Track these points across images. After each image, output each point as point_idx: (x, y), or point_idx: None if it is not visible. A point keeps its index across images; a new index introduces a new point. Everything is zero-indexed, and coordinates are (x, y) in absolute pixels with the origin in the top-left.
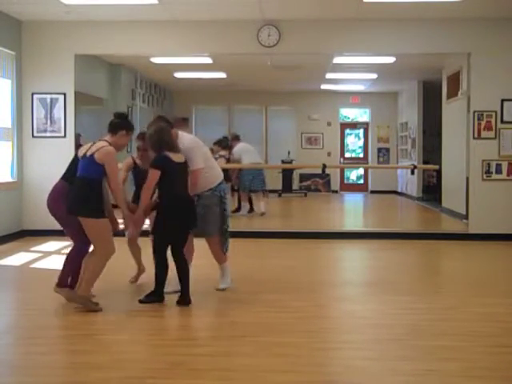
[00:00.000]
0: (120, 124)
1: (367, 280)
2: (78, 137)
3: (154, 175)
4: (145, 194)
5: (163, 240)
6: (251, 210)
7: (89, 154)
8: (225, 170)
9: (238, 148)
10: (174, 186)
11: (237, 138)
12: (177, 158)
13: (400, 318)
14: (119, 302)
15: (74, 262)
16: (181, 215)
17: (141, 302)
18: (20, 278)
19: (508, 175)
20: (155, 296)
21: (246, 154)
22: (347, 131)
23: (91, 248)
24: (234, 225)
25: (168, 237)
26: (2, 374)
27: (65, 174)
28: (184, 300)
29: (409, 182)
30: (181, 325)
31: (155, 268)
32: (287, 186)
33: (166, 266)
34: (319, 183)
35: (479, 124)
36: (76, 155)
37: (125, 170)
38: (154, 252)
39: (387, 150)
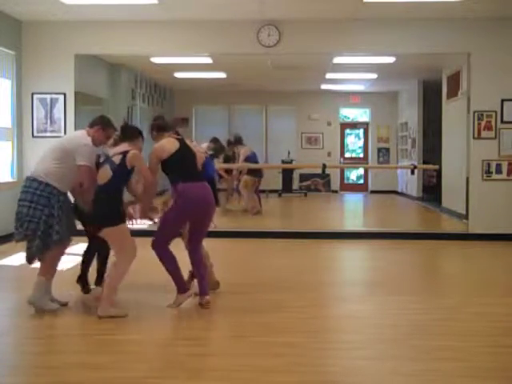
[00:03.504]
0: None
1: (367, 280)
2: None
3: None
4: None
5: None
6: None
7: None
8: None
9: None
10: None
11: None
12: None
13: (400, 318)
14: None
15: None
16: None
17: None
18: (20, 278)
19: (508, 175)
20: None
21: None
22: (347, 131)
23: None
24: (233, 225)
25: None
26: (1, 374)
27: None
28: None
29: (409, 182)
30: (181, 325)
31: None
32: (287, 186)
33: None
34: (319, 183)
35: (479, 124)
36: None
37: None
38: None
39: (387, 150)
